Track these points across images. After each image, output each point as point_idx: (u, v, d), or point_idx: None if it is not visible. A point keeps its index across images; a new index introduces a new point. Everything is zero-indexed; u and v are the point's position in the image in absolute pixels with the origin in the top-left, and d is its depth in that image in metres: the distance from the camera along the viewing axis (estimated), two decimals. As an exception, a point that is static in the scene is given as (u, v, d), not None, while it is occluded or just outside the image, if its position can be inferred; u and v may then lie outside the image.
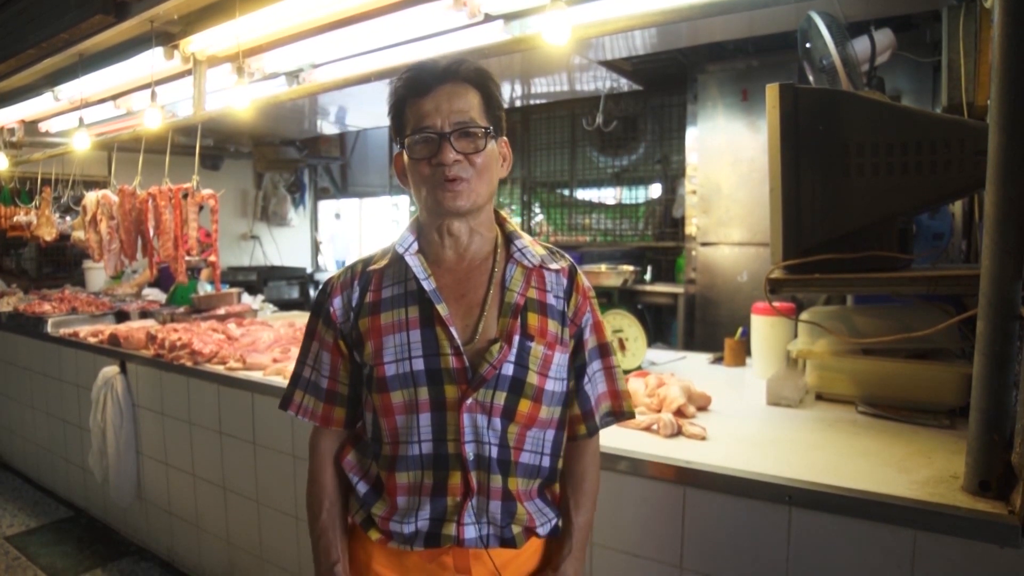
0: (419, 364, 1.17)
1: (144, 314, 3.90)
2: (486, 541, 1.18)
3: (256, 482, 2.50)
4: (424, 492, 1.19)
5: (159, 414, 2.93)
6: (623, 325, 2.32)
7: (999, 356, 1.18)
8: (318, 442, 1.32)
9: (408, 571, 1.22)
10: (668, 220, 5.48)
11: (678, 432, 1.68)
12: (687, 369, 2.43)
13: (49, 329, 3.68)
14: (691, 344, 4.35)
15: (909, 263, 1.64)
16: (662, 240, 5.51)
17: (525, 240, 1.27)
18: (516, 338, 1.18)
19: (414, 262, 1.22)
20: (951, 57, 1.98)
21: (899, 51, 2.44)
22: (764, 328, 2.24)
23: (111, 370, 3.07)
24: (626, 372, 2.14)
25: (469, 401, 1.15)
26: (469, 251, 1.24)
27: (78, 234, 4.42)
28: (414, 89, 1.19)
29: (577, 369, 1.27)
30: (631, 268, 2.42)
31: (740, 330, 2.50)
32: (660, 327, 5.18)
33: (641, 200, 5.79)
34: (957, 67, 1.95)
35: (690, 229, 4.46)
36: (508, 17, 2.53)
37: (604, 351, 1.31)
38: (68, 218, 5.13)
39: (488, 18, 2.51)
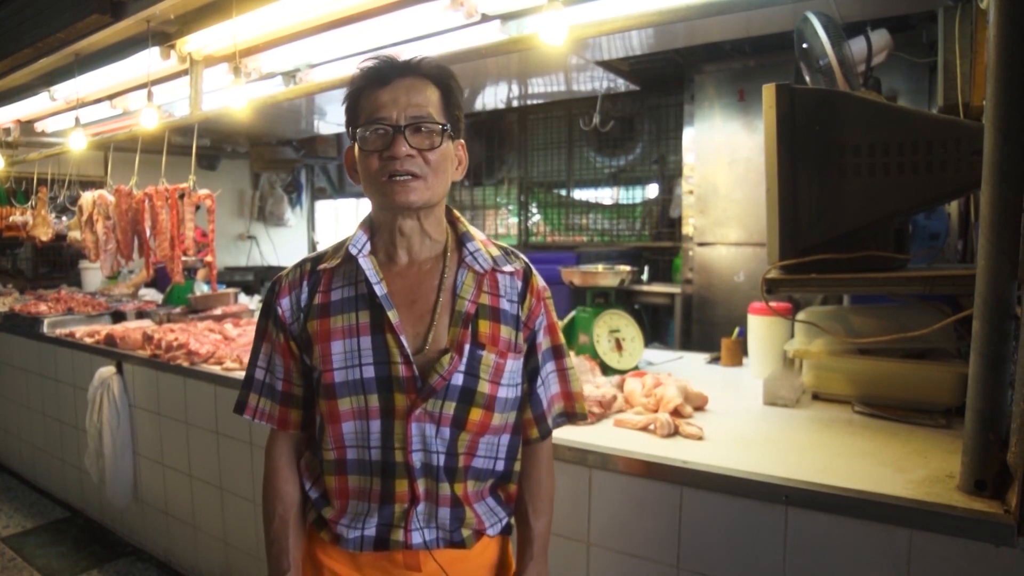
0: (369, 372, 1.15)
1: (140, 314, 3.89)
2: (434, 544, 1.18)
3: (253, 482, 2.49)
4: (372, 499, 1.18)
5: (155, 414, 2.93)
6: (620, 325, 2.32)
7: (995, 356, 1.18)
8: (273, 446, 1.29)
9: (361, 567, 1.22)
10: (665, 220, 5.49)
11: (675, 432, 1.68)
12: (684, 369, 2.43)
13: (45, 329, 3.67)
14: (688, 344, 4.35)
15: (905, 263, 1.64)
16: (659, 240, 5.52)
17: (477, 242, 1.23)
18: (466, 347, 1.16)
19: (367, 264, 1.18)
20: (947, 58, 1.98)
21: (895, 52, 2.45)
22: (761, 328, 2.24)
23: (107, 370, 3.06)
24: (623, 372, 2.15)
25: (418, 411, 1.14)
26: (421, 253, 1.21)
27: (74, 234, 4.41)
28: (372, 80, 1.15)
29: (530, 373, 1.26)
30: (628, 268, 2.42)
31: (737, 330, 2.50)
32: (657, 327, 5.19)
33: (638, 200, 5.80)
34: (953, 68, 1.95)
35: (687, 229, 4.46)
36: (505, 17, 2.53)
37: (557, 353, 1.29)
38: (64, 218, 5.12)
39: (485, 18, 2.51)
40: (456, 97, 1.19)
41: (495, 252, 1.25)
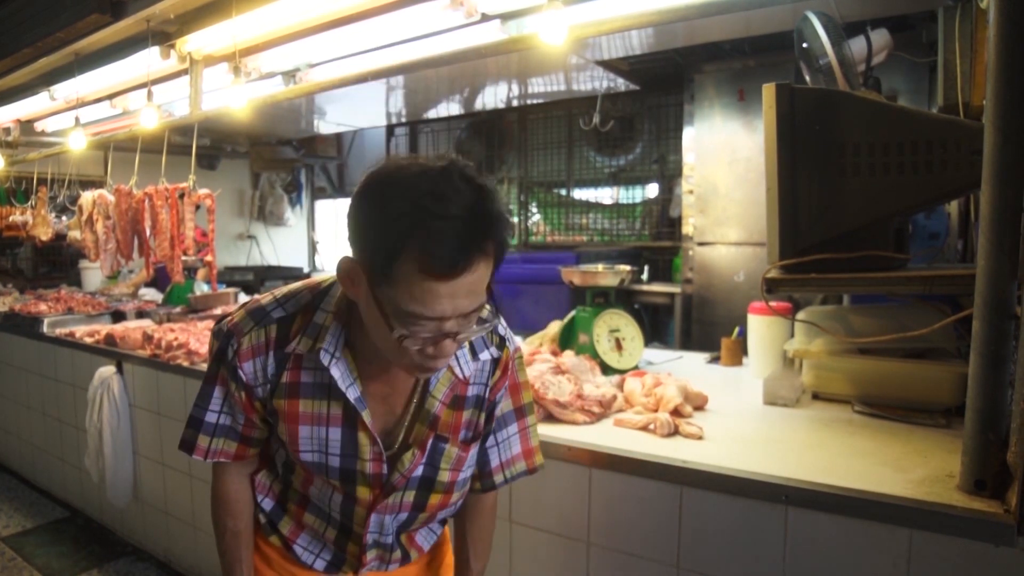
0: (335, 462, 1.13)
1: (140, 314, 3.89)
2: (383, 569, 1.27)
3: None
4: (327, 540, 1.25)
5: (155, 414, 2.93)
6: (620, 325, 2.32)
7: (995, 356, 1.18)
8: (223, 465, 1.24)
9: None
10: (665, 220, 5.49)
11: (675, 432, 1.68)
12: (684, 369, 2.43)
13: (45, 329, 3.67)
14: (688, 344, 4.36)
15: (905, 263, 1.64)
16: (659, 240, 5.52)
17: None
18: (429, 443, 1.15)
19: (341, 371, 1.08)
20: (947, 57, 1.98)
21: (895, 51, 2.45)
22: (761, 328, 2.24)
23: (107, 370, 3.06)
24: (623, 372, 2.15)
25: (379, 504, 1.16)
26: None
27: (74, 234, 4.41)
28: (430, 260, 0.88)
29: (484, 435, 1.24)
30: (628, 268, 2.42)
31: (737, 330, 2.50)
32: (657, 326, 5.19)
33: (638, 200, 5.80)
34: (953, 67, 1.95)
35: (687, 229, 4.46)
36: (505, 17, 2.53)
37: (520, 413, 1.27)
38: (64, 218, 5.12)
39: (485, 18, 2.51)
40: (505, 250, 0.98)
41: (474, 342, 1.17)
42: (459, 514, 1.32)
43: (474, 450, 1.21)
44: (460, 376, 1.16)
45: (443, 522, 1.35)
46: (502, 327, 1.21)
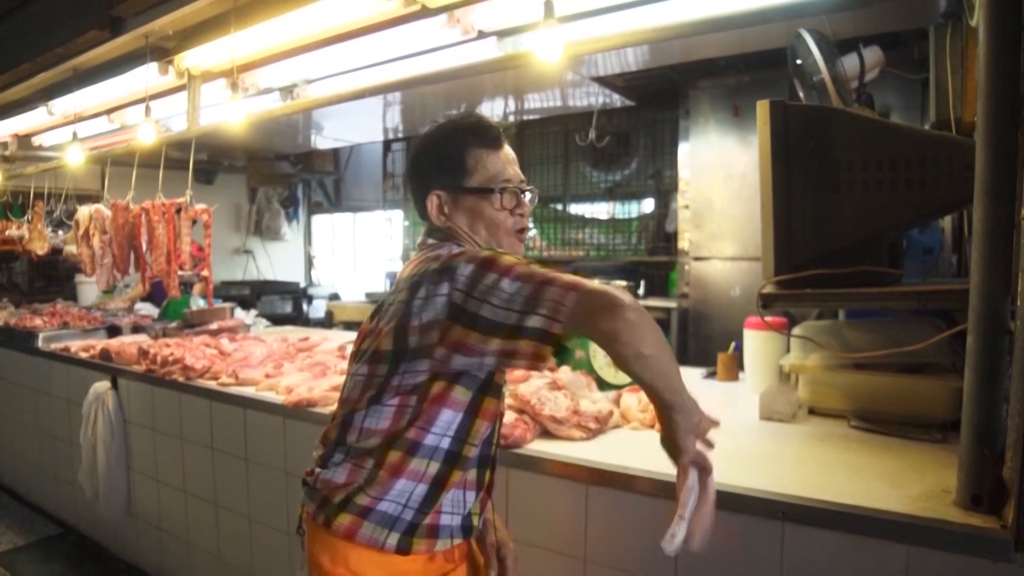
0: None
1: (136, 329, 3.88)
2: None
3: (248, 498, 2.48)
4: (469, 487, 1.29)
5: (150, 430, 2.91)
6: (616, 340, 2.31)
7: (989, 371, 1.19)
8: None
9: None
10: (661, 235, 5.50)
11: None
12: (680, 383, 2.42)
13: (40, 344, 3.65)
14: (684, 358, 4.35)
15: (899, 278, 1.65)
16: (655, 255, 5.52)
17: None
18: None
19: None
20: (938, 74, 2.00)
21: (888, 68, 2.47)
22: (757, 343, 2.24)
23: (102, 385, 3.05)
24: (619, 387, 2.15)
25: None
26: None
27: (70, 248, 4.40)
28: (487, 140, 1.31)
29: None
30: (624, 283, 2.43)
31: (733, 345, 2.50)
32: (654, 341, 5.18)
33: (634, 215, 5.82)
34: (944, 84, 1.97)
35: (683, 244, 4.48)
36: (501, 34, 2.56)
37: None
38: (60, 232, 5.11)
39: (481, 35, 2.53)
40: None
41: None
42: None
43: None
44: None
45: None
46: None
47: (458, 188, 1.30)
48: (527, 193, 1.33)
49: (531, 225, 6.37)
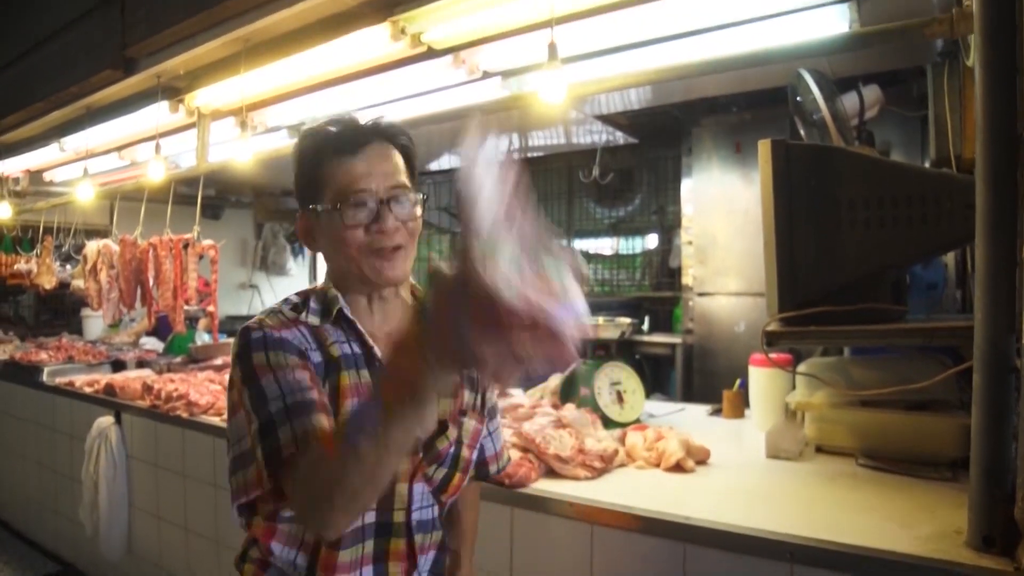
0: None
1: (141, 363, 3.88)
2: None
3: (249, 536, 2.45)
4: (365, 563, 1.10)
5: (153, 466, 2.89)
6: (621, 377, 2.31)
7: (996, 409, 1.18)
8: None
9: None
10: (665, 270, 5.51)
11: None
12: (685, 421, 2.41)
13: (45, 378, 3.65)
14: (689, 394, 4.32)
15: (903, 314, 1.65)
16: (659, 290, 5.52)
17: None
18: (458, 415, 1.18)
19: (357, 329, 1.11)
20: (937, 112, 2.03)
21: (887, 106, 2.50)
22: (762, 380, 2.23)
23: (106, 420, 3.04)
24: (624, 425, 2.13)
25: (419, 474, 1.12)
26: (395, 318, 1.15)
27: (78, 283, 4.43)
28: (339, 147, 1.07)
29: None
30: (628, 321, 2.43)
31: (738, 381, 2.49)
32: (658, 377, 5.15)
33: (638, 250, 5.84)
34: (943, 121, 2.00)
35: (687, 279, 4.48)
36: (506, 74, 2.60)
37: (495, 409, 1.35)
38: (68, 266, 5.15)
39: (486, 75, 2.58)
40: (415, 160, 1.15)
41: None
42: (450, 508, 1.27)
43: (480, 426, 1.23)
44: None
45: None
46: None
47: (313, 208, 1.09)
48: (389, 203, 1.05)
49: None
